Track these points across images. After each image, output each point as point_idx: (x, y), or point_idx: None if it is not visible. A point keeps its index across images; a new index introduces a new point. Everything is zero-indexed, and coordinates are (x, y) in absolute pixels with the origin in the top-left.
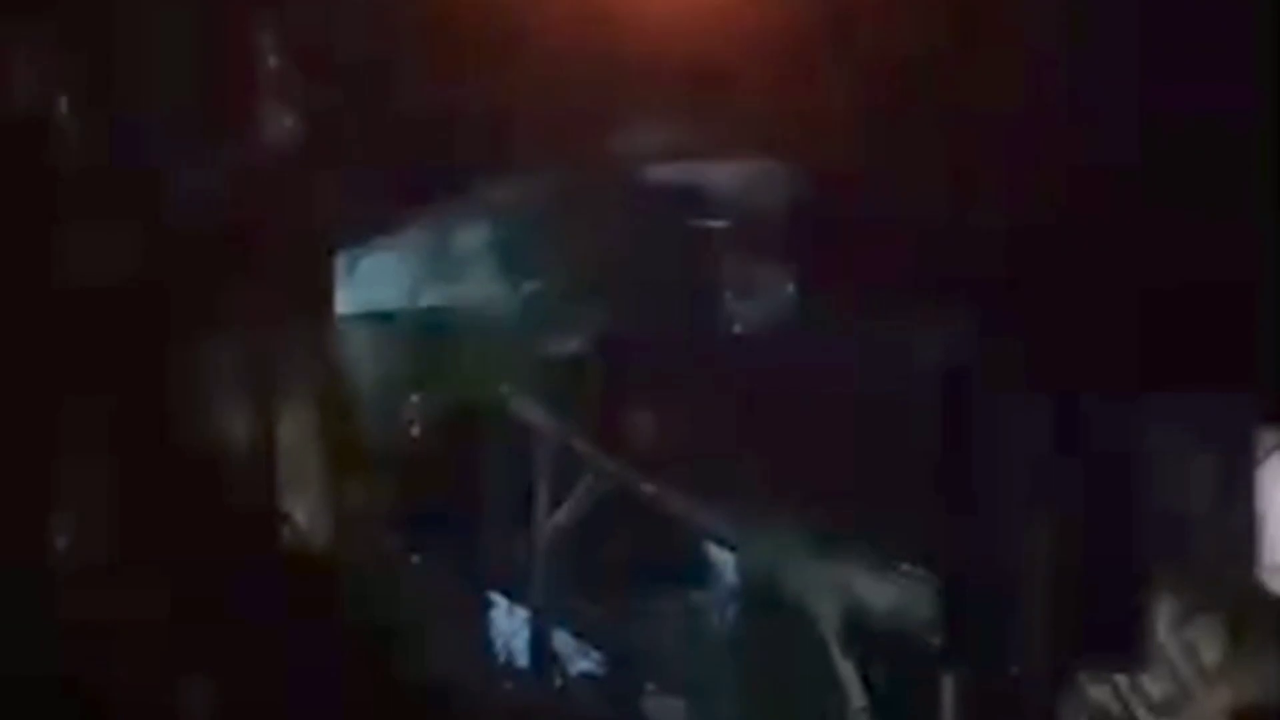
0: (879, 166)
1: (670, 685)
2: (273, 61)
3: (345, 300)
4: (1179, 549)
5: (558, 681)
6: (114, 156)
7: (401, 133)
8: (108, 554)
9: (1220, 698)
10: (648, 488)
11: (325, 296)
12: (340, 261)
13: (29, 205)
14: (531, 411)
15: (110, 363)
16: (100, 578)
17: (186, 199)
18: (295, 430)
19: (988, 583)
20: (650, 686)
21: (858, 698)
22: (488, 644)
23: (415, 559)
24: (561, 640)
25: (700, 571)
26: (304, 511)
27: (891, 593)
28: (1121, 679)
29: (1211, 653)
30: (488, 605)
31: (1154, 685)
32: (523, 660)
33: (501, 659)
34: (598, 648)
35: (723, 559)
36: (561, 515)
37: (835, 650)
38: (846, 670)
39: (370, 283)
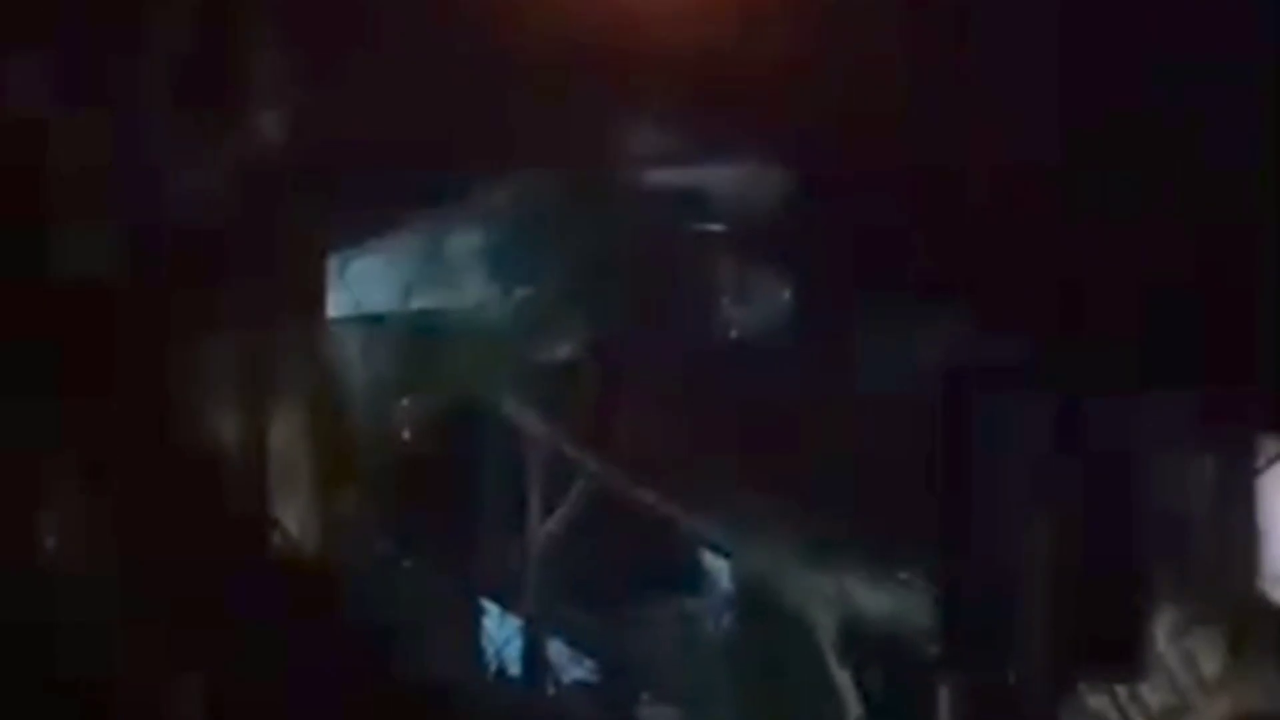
0: (878, 166)
1: (665, 694)
2: (267, 60)
3: (337, 303)
4: (1179, 559)
5: (551, 690)
6: (107, 156)
7: (395, 135)
8: (99, 556)
9: (1219, 708)
10: (642, 494)
11: (317, 299)
12: (332, 264)
13: (21, 204)
14: (524, 416)
15: (100, 365)
16: (92, 579)
17: (178, 200)
18: (287, 434)
19: (985, 591)
20: (644, 695)
21: (854, 706)
22: (480, 652)
23: (406, 565)
24: (555, 648)
25: (695, 578)
26: (294, 516)
27: (888, 600)
28: (1120, 688)
29: (1211, 663)
30: (480, 612)
31: (1153, 695)
32: (515, 668)
33: (494, 667)
34: (591, 656)
35: (717, 566)
36: (554, 522)
37: (831, 658)
38: (843, 679)
39: (362, 285)
